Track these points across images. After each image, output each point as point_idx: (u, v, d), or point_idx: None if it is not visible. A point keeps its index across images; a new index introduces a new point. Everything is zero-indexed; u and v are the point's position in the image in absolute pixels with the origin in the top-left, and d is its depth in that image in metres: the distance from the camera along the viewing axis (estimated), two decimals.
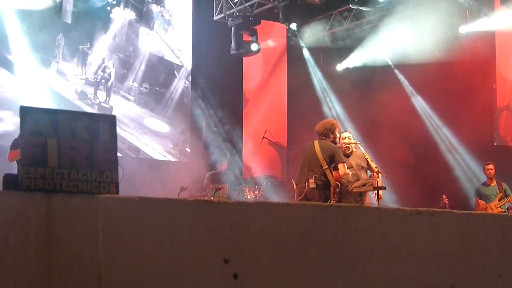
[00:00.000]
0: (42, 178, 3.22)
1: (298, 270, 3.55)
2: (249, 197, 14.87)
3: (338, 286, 3.63)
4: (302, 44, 18.86)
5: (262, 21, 17.43)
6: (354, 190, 10.09)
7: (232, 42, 17.05)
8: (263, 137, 16.27)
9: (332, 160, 9.86)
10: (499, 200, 12.55)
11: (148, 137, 15.35)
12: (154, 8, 15.53)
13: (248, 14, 17.15)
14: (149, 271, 3.26)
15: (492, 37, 15.43)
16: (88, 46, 14.23)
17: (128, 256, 3.23)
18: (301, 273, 3.56)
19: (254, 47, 17.16)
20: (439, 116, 17.15)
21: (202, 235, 3.39)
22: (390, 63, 18.19)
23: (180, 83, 16.06)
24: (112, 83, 14.59)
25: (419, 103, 17.69)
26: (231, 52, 17.18)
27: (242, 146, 17.96)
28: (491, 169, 12.79)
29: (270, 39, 18.45)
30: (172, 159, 16.26)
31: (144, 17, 15.26)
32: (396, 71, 18.19)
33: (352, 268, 3.67)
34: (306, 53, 19.03)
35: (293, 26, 18.21)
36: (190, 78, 16.41)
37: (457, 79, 15.89)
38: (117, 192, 3.40)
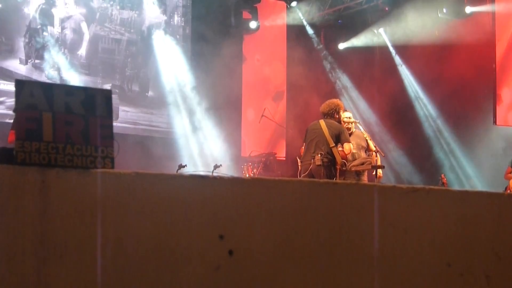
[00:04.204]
0: (37, 152, 3.19)
1: (294, 247, 3.55)
2: (247, 175, 14.88)
3: (334, 263, 3.62)
4: (303, 22, 18.78)
5: None
6: (353, 169, 10.16)
7: (232, 20, 16.94)
8: (262, 115, 16.23)
9: (338, 139, 9.93)
10: None
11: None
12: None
13: None
14: (144, 246, 3.26)
15: (493, 17, 15.40)
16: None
17: (123, 231, 3.22)
18: (297, 250, 3.55)
19: (253, 25, 17.07)
20: (436, 97, 17.09)
21: (197, 211, 3.38)
22: (389, 43, 18.09)
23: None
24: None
25: (411, 84, 17.59)
26: (231, 30, 17.09)
27: (241, 124, 17.93)
28: None
29: (270, 17, 18.36)
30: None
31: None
32: (393, 51, 18.09)
33: (348, 245, 3.66)
34: (307, 31, 18.95)
35: (293, 3, 18.15)
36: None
37: (456, 59, 15.84)
38: (113, 167, 3.38)
